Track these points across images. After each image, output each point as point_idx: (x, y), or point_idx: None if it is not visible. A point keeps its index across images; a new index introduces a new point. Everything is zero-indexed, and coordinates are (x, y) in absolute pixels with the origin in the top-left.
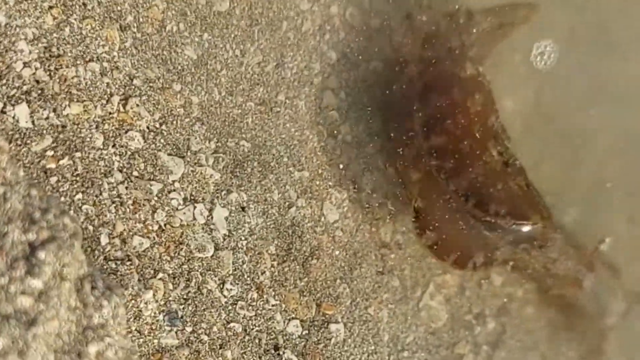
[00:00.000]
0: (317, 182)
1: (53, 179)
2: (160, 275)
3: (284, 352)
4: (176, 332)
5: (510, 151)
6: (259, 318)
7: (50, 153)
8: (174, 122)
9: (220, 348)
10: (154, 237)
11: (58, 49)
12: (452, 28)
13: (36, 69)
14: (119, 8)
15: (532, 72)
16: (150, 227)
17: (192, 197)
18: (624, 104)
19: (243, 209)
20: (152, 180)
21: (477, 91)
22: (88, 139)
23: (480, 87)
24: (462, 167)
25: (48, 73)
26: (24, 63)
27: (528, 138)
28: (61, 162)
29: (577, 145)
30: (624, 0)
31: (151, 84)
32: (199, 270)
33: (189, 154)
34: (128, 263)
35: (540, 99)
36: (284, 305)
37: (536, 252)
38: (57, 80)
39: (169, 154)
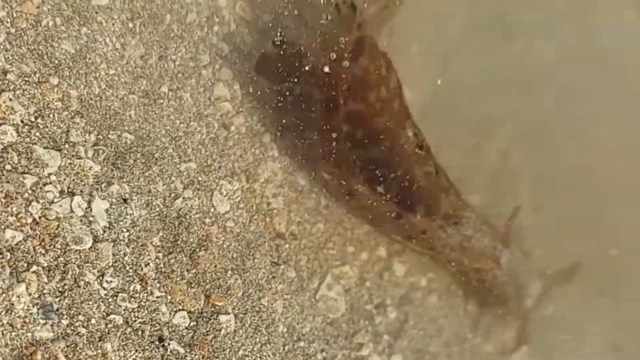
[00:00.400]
0: (206, 173)
1: None
2: (34, 268)
3: (169, 344)
4: (51, 325)
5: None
6: (142, 310)
7: None
8: (51, 115)
9: (100, 340)
10: (27, 231)
11: None
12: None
13: None
14: None
15: (430, 62)
16: (23, 221)
17: (69, 190)
18: (527, 90)
19: (125, 200)
20: (26, 173)
21: (389, 73)
22: None
23: (390, 69)
24: (374, 139)
25: None
26: None
27: (427, 127)
28: None
29: (480, 133)
30: None
31: (26, 78)
32: (76, 263)
33: (66, 146)
34: None
35: (438, 89)
36: (169, 297)
37: (452, 229)
38: None
39: (45, 147)
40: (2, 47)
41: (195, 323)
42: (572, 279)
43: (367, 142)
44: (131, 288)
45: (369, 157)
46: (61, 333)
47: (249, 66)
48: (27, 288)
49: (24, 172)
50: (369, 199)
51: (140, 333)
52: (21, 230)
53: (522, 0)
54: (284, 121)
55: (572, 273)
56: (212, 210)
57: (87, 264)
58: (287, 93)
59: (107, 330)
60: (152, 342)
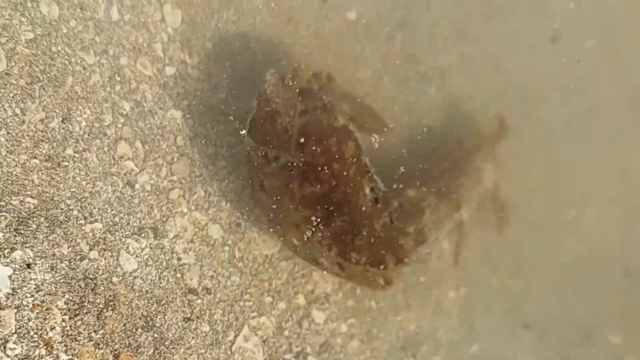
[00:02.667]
0: (112, 233)
1: None
2: None
3: None
4: None
5: (379, 184)
6: None
7: None
8: None
9: None
10: None
11: None
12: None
13: None
14: None
15: None
16: None
17: None
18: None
19: (29, 265)
20: None
21: (349, 138)
22: None
23: (350, 134)
24: (331, 216)
25: None
26: None
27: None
28: None
29: None
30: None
31: None
32: None
33: None
34: None
35: None
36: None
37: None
38: None
39: None
40: None
41: None
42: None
43: (330, 212)
44: (36, 353)
45: (331, 229)
46: None
47: (151, 122)
48: None
49: None
50: (342, 266)
51: None
52: None
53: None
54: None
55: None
56: (119, 269)
57: None
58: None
59: None
60: None
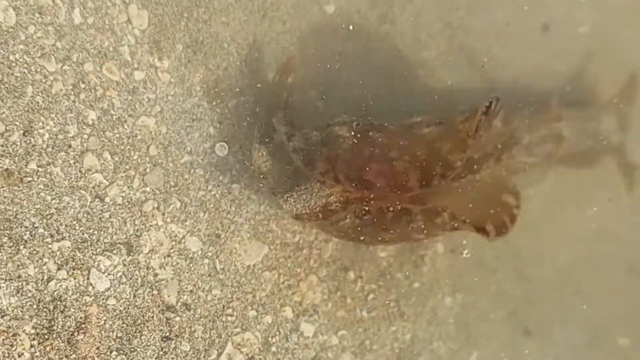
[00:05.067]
0: (82, 251)
1: None
2: None
3: None
4: None
5: None
6: None
7: None
8: None
9: None
10: None
11: None
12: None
13: None
14: None
15: None
16: None
17: None
18: None
19: None
20: None
21: None
22: None
23: None
24: None
25: None
26: None
27: None
28: None
29: None
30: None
31: None
32: None
33: None
34: None
35: None
36: None
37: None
38: None
39: None
40: None
41: None
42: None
43: None
44: None
45: None
46: None
47: (121, 131)
48: None
49: None
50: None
51: None
52: None
53: None
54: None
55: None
56: (91, 289)
57: None
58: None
59: None
60: None
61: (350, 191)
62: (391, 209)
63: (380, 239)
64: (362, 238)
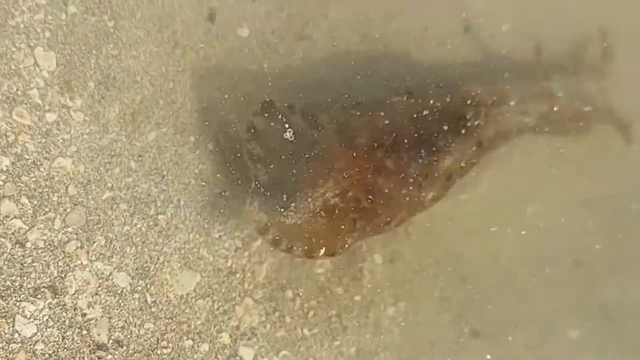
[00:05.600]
0: (5, 299)
1: None
2: None
3: None
4: None
5: None
6: None
7: None
8: None
9: None
10: None
11: None
12: None
13: None
14: None
15: None
16: None
17: None
18: None
19: None
20: None
21: None
22: None
23: None
24: None
25: None
26: None
27: None
28: None
29: None
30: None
31: None
32: None
33: None
34: None
35: None
36: None
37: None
38: None
39: None
40: None
41: None
42: None
43: None
44: None
45: None
46: None
47: (37, 174)
48: None
49: None
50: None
51: None
52: None
53: None
54: None
55: None
56: (17, 335)
57: None
58: None
59: None
60: None
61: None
62: None
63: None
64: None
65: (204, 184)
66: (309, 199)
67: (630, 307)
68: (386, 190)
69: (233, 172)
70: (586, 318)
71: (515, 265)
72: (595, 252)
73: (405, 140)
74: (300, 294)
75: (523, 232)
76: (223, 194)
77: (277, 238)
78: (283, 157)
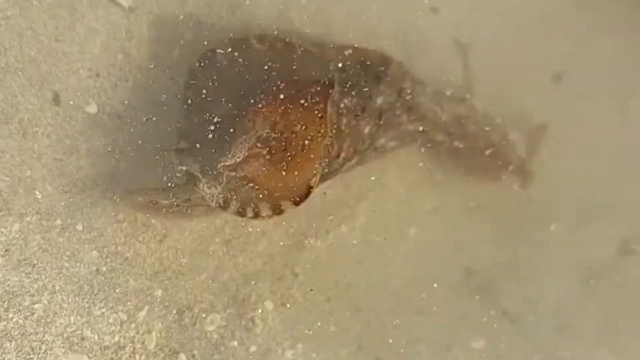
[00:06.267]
0: None
1: None
2: None
3: None
4: None
5: None
6: None
7: None
8: None
9: None
10: None
11: None
12: None
13: None
14: None
15: None
16: None
17: None
18: None
19: None
20: None
21: None
22: None
23: None
24: None
25: None
26: None
27: None
28: None
29: None
30: None
31: None
32: None
33: None
34: None
35: None
36: None
37: None
38: None
39: None
40: None
41: None
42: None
43: None
44: None
45: None
46: None
47: None
48: None
49: None
50: None
51: None
52: None
53: None
54: None
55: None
56: None
57: None
58: None
59: None
60: None
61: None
62: None
63: None
64: None
65: (78, 264)
66: (243, 140)
67: (530, 306)
68: (320, 115)
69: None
70: (490, 326)
71: (406, 286)
72: (485, 258)
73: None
74: (195, 354)
75: (409, 253)
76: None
77: (241, 209)
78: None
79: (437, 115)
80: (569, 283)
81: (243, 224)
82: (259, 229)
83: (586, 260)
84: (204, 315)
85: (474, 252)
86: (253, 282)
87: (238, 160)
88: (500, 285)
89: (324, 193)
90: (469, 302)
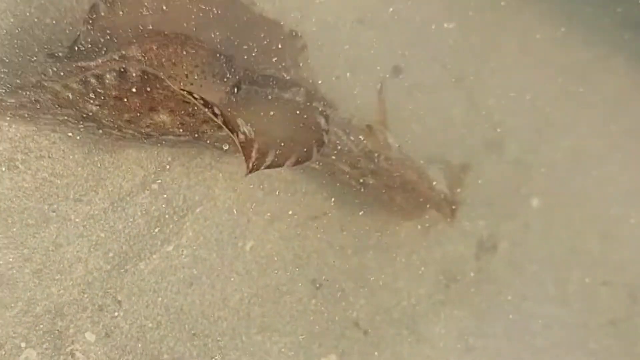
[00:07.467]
0: None
1: None
2: None
3: None
4: None
5: None
6: None
7: None
8: None
9: None
10: None
11: None
12: None
13: None
14: None
15: None
16: None
17: None
18: None
19: None
20: None
21: None
22: None
23: None
24: None
25: None
26: None
27: None
28: None
29: None
30: None
31: None
32: None
33: None
34: None
35: None
36: None
37: None
38: None
39: None
40: None
41: None
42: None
43: None
44: None
45: None
46: None
47: None
48: None
49: None
50: None
51: None
52: None
53: None
54: None
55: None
56: None
57: None
58: None
59: None
60: None
61: None
62: None
63: None
64: None
65: None
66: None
67: (381, 316)
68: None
69: None
70: (342, 338)
71: (247, 304)
72: (332, 268)
73: None
74: None
75: (247, 269)
76: None
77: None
78: None
79: (342, 141)
80: (425, 287)
81: (52, 249)
82: (69, 256)
83: (445, 261)
84: (16, 352)
85: (319, 262)
86: (70, 314)
87: (94, 65)
88: (349, 295)
89: (144, 211)
90: (317, 316)
